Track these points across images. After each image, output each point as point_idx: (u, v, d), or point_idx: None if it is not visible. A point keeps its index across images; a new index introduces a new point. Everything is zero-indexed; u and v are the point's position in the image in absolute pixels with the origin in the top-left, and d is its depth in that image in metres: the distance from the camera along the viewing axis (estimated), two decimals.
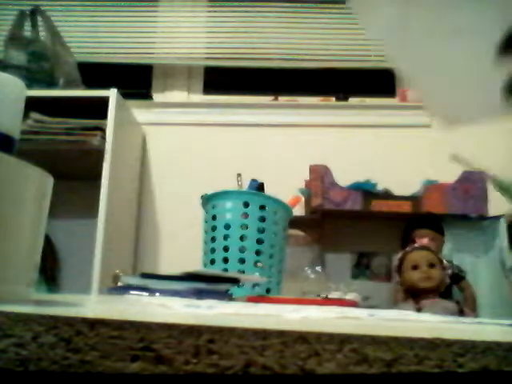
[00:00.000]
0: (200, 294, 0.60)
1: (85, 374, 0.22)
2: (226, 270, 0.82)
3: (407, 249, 1.49)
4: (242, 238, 0.83)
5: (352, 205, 1.66)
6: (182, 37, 2.12)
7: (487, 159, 1.82)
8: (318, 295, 0.95)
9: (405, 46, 0.48)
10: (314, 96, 2.10)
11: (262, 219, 0.84)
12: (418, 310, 1.34)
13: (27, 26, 1.72)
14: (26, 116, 1.49)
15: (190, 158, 1.95)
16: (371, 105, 2.04)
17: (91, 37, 2.07)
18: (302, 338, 0.23)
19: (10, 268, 0.32)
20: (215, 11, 2.15)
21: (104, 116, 1.55)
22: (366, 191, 1.67)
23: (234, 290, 0.73)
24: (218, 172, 1.71)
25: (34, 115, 1.53)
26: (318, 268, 1.27)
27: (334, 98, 2.06)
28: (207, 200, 0.89)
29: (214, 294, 0.62)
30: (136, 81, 2.18)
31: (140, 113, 1.90)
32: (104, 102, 1.55)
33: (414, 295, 1.43)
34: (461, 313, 1.35)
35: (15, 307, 0.25)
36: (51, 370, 0.22)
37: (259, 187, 0.94)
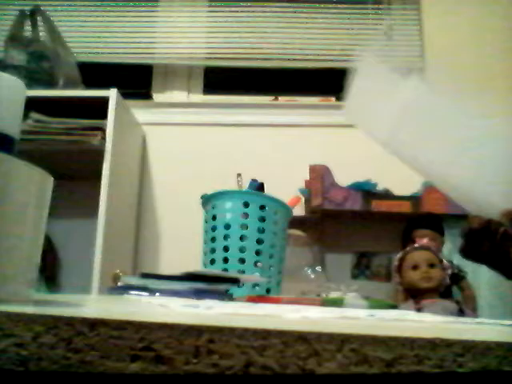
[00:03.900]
0: (200, 294, 0.60)
1: (85, 374, 0.22)
2: (226, 269, 0.82)
3: (407, 249, 1.49)
4: (241, 238, 0.83)
5: (352, 205, 1.65)
6: (182, 37, 2.12)
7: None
8: (318, 295, 0.95)
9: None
10: (313, 96, 2.10)
11: (262, 219, 0.84)
12: (418, 309, 1.34)
13: (27, 26, 1.72)
14: (26, 116, 1.49)
15: (190, 158, 1.95)
16: None
17: (91, 37, 2.07)
18: (302, 338, 0.23)
19: (10, 268, 0.32)
20: (215, 11, 2.15)
21: (104, 116, 1.55)
22: (366, 191, 1.67)
23: (233, 290, 0.73)
24: (218, 172, 1.71)
25: (34, 115, 1.53)
26: (318, 268, 1.27)
27: (333, 98, 2.06)
28: (207, 200, 0.89)
29: (213, 294, 0.62)
30: (136, 81, 2.18)
31: (140, 113, 1.90)
32: (104, 102, 1.55)
33: (414, 295, 1.43)
34: (461, 313, 1.35)
35: (15, 307, 0.25)
36: (51, 369, 0.22)
37: (259, 187, 0.93)
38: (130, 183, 1.83)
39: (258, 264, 0.83)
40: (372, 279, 1.82)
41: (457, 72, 2.02)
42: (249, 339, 0.23)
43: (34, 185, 0.35)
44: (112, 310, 0.34)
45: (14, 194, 0.32)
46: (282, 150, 1.95)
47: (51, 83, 1.63)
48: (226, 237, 0.84)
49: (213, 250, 0.85)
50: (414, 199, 1.67)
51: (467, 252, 0.65)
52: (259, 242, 0.84)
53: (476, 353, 0.23)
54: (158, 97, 2.09)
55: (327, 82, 2.18)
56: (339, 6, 2.13)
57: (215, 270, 0.81)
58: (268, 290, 0.83)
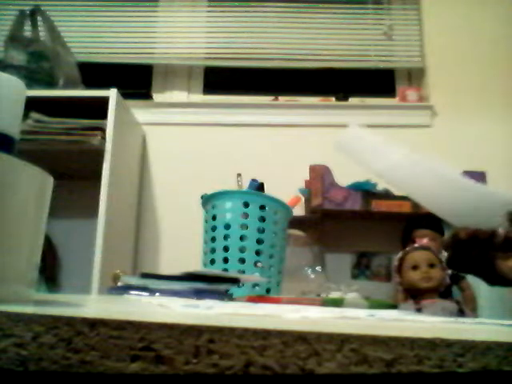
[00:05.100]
0: (200, 294, 0.60)
1: (85, 374, 0.22)
2: (226, 269, 0.82)
3: (407, 249, 1.49)
4: (241, 238, 0.83)
5: (352, 205, 1.65)
6: (182, 37, 2.12)
7: (487, 159, 1.82)
8: (318, 295, 0.95)
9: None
10: (314, 96, 2.10)
11: (262, 219, 0.84)
12: (418, 310, 1.34)
13: (27, 26, 1.72)
14: (26, 116, 1.49)
15: (190, 158, 1.95)
16: (371, 105, 2.04)
17: (91, 37, 2.07)
18: (302, 338, 0.23)
19: (10, 268, 0.32)
20: (215, 11, 2.15)
21: (104, 116, 1.55)
22: (366, 191, 1.67)
23: (233, 290, 0.73)
24: (218, 172, 1.71)
25: (34, 115, 1.53)
26: (318, 268, 1.27)
27: (333, 98, 2.06)
28: (207, 200, 0.89)
29: (213, 294, 0.62)
30: (136, 81, 2.18)
31: (140, 113, 1.90)
32: (104, 102, 1.55)
33: (414, 295, 1.43)
34: (461, 313, 1.35)
35: (15, 307, 0.25)
36: (51, 370, 0.22)
37: (259, 187, 0.93)
38: (130, 183, 1.83)
39: (258, 264, 0.83)
40: (372, 279, 1.82)
41: (457, 72, 2.02)
42: (249, 339, 0.23)
43: (33, 185, 0.35)
44: (112, 310, 0.34)
45: (14, 194, 0.32)
46: (282, 150, 1.95)
47: (51, 83, 1.63)
48: (226, 237, 0.84)
49: (213, 250, 0.85)
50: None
51: (455, 263, 0.67)
52: (259, 242, 0.84)
53: (476, 353, 0.23)
54: (157, 97, 2.09)
55: (327, 82, 2.18)
56: (339, 5, 2.13)
57: (215, 270, 0.81)
58: (268, 290, 0.83)
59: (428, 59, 2.07)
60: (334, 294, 0.97)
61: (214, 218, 0.86)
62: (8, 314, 0.23)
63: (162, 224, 1.91)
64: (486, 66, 2.02)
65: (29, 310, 0.25)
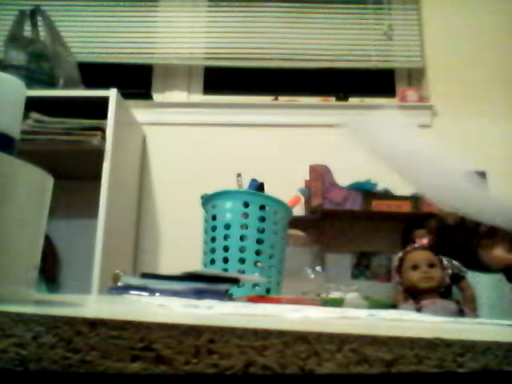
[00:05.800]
0: (200, 294, 0.60)
1: (85, 374, 0.22)
2: (226, 269, 0.82)
3: (407, 249, 1.49)
4: (242, 238, 0.83)
5: (352, 205, 1.65)
6: (182, 37, 2.12)
7: (487, 159, 1.82)
8: (318, 295, 0.95)
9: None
10: (313, 96, 2.10)
11: (262, 219, 0.84)
12: (418, 309, 1.34)
13: (27, 26, 1.72)
14: (26, 116, 1.49)
15: (190, 158, 1.95)
16: (371, 105, 2.04)
17: (91, 37, 2.07)
18: (302, 338, 0.23)
19: (10, 268, 0.32)
20: (215, 11, 2.15)
21: (104, 116, 1.55)
22: (366, 191, 1.67)
23: (233, 290, 0.73)
24: (218, 172, 1.71)
25: (34, 115, 1.53)
26: (318, 268, 1.27)
27: (334, 98, 2.06)
28: (207, 200, 0.89)
29: (213, 294, 0.62)
30: (136, 81, 2.18)
31: (140, 113, 1.90)
32: (104, 102, 1.55)
33: (414, 295, 1.43)
34: (461, 313, 1.35)
35: (15, 307, 0.25)
36: (51, 369, 0.22)
37: (259, 187, 0.93)
38: (130, 183, 1.83)
39: (258, 264, 0.83)
40: (372, 279, 1.82)
41: (456, 72, 2.02)
42: (249, 339, 0.23)
43: (34, 185, 0.35)
44: (112, 310, 0.34)
45: (14, 194, 0.32)
46: (282, 150, 1.95)
47: (51, 83, 1.63)
48: (226, 237, 0.84)
49: (213, 250, 0.85)
50: (414, 199, 1.67)
51: (439, 247, 0.68)
52: (259, 242, 0.84)
53: (476, 353, 0.23)
54: (157, 97, 2.09)
55: (327, 82, 2.18)
56: (339, 5, 2.13)
57: (215, 270, 0.81)
58: (268, 290, 0.83)
59: (428, 59, 2.07)
60: (334, 294, 0.97)
61: (213, 218, 0.86)
62: (8, 313, 0.23)
63: (162, 224, 1.91)
64: (485, 66, 2.02)
65: (29, 309, 0.25)
